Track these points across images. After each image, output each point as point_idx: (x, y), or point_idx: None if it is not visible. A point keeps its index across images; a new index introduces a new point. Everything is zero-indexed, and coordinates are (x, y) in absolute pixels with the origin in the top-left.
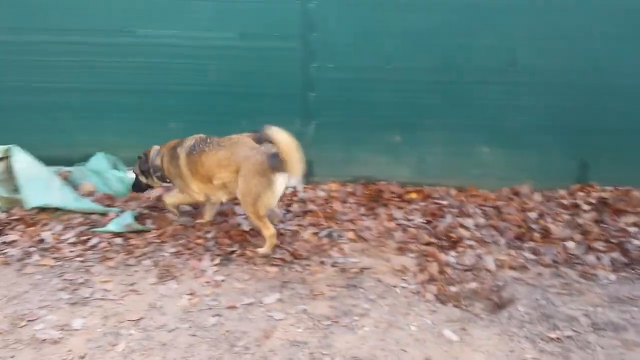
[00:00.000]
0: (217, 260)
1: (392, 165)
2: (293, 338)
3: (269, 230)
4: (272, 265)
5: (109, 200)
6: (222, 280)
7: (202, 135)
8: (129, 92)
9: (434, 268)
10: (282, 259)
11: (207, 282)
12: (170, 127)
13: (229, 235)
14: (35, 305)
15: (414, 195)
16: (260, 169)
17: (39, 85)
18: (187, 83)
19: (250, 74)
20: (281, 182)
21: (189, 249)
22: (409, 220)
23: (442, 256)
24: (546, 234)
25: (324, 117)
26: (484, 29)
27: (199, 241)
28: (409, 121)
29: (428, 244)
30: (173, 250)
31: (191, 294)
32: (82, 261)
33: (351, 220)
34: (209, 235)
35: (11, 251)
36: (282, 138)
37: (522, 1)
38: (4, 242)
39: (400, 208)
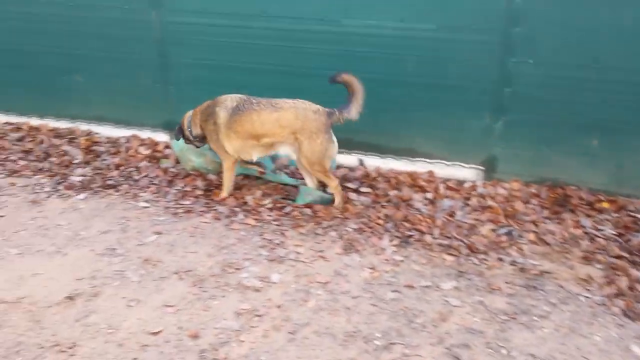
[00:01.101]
0: (396, 242)
1: (585, 171)
2: (469, 325)
3: (334, 182)
4: (449, 254)
5: (299, 174)
6: (401, 261)
7: (240, 95)
8: (322, 77)
9: (623, 283)
10: (457, 250)
11: (387, 260)
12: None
13: (407, 219)
14: (240, 257)
15: (605, 205)
16: (325, 127)
17: (251, 66)
18: (378, 72)
19: (442, 65)
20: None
21: (369, 227)
22: (598, 230)
23: (634, 272)
24: None
25: (516, 113)
26: None
27: (379, 222)
28: (611, 125)
29: (618, 257)
30: (355, 226)
31: (372, 268)
32: (278, 225)
33: (533, 222)
34: (385, 215)
35: (220, 209)
36: (354, 80)
37: None
38: (213, 200)
39: (589, 216)
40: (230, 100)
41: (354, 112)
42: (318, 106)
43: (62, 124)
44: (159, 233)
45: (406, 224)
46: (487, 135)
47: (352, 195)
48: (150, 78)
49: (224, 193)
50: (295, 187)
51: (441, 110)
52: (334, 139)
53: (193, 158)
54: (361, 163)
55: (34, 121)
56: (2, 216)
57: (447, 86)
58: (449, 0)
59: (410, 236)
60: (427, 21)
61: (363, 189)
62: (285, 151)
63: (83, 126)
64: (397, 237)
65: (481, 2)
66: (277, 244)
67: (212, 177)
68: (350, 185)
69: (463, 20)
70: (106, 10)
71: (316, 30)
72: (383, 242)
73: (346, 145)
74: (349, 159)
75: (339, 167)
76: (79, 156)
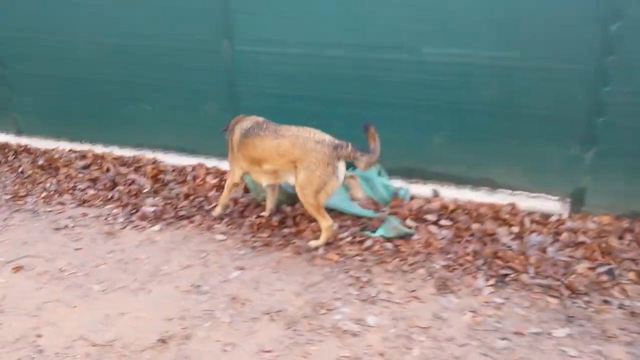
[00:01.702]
0: (492, 281)
1: None
2: None
3: (327, 222)
4: (551, 296)
5: (374, 205)
6: (502, 303)
7: (260, 118)
8: (398, 106)
9: None
10: (558, 291)
11: (487, 302)
12: (435, 141)
13: (497, 256)
14: (329, 296)
15: None
16: (328, 159)
17: (323, 95)
18: (458, 101)
19: (527, 94)
20: (342, 171)
21: (459, 264)
22: None
23: None
24: None
25: (609, 143)
26: None
27: (468, 258)
28: None
29: None
30: (443, 263)
31: (473, 311)
32: (362, 260)
33: (632, 259)
34: (474, 251)
35: (299, 242)
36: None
37: None
38: (290, 233)
39: None
40: (248, 121)
41: (365, 160)
42: (325, 136)
43: (127, 152)
44: (241, 268)
45: (498, 262)
46: (576, 166)
47: (432, 229)
48: (218, 107)
49: (218, 208)
50: (371, 219)
51: (525, 139)
52: (340, 174)
53: (265, 187)
54: (436, 194)
55: (98, 149)
56: (79, 249)
57: (532, 115)
58: (537, 28)
59: (505, 275)
60: (512, 49)
61: (443, 222)
62: (291, 181)
63: (148, 154)
64: (492, 276)
65: (573, 30)
66: (365, 281)
67: (285, 207)
68: (428, 217)
69: (551, 48)
70: (176, 40)
71: (394, 59)
72: (478, 282)
73: (420, 175)
74: (423, 190)
75: (412, 197)
76: (147, 185)
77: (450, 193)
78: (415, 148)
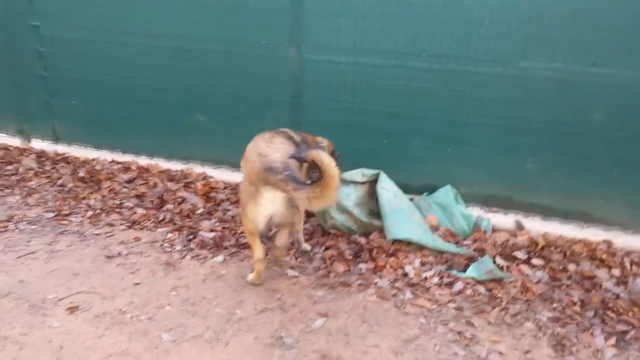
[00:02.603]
0: (612, 340)
1: None
2: None
3: (255, 253)
4: None
5: (451, 237)
6: None
7: (283, 134)
8: (487, 125)
9: None
10: None
11: None
12: (528, 167)
13: (607, 306)
14: (433, 356)
15: None
16: (254, 178)
17: (399, 111)
18: (554, 121)
19: (638, 118)
20: (269, 198)
21: (568, 316)
22: None
23: None
24: None
25: None
26: None
27: (576, 308)
28: None
29: None
30: (550, 314)
31: None
32: (457, 309)
33: None
34: (581, 301)
35: (380, 282)
36: (327, 162)
37: None
38: (368, 270)
39: None
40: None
41: (303, 195)
42: (275, 152)
43: (174, 165)
44: (324, 315)
45: (610, 314)
46: None
47: (524, 269)
48: (279, 120)
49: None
50: (455, 255)
51: (627, 169)
52: (263, 201)
53: (334, 215)
54: (520, 226)
55: (142, 160)
56: (138, 284)
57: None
58: None
59: (624, 332)
60: (625, 67)
61: (535, 261)
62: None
63: (197, 168)
64: (610, 333)
65: None
66: (469, 338)
67: (358, 238)
68: (519, 255)
69: None
70: (238, 46)
71: (485, 72)
72: (597, 341)
73: (502, 203)
74: (504, 220)
75: (495, 229)
76: (199, 205)
77: (535, 225)
78: (502, 173)
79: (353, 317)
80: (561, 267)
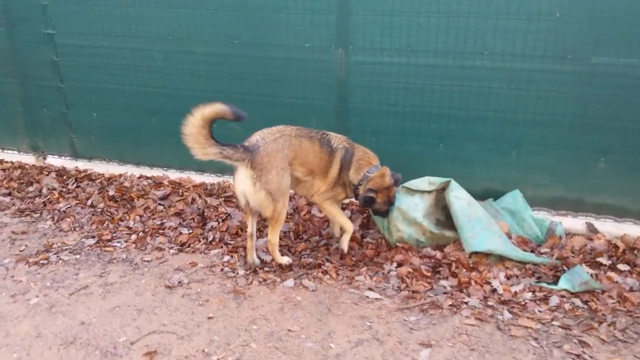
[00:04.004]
0: None
1: None
2: None
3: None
4: None
5: (524, 245)
6: None
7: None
8: (554, 124)
9: None
10: None
11: None
12: (600, 167)
13: None
14: None
15: None
16: None
17: (456, 113)
18: (631, 119)
19: None
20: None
21: None
22: None
23: None
24: None
25: None
26: None
27: None
28: None
29: None
30: None
31: None
32: (563, 327)
33: None
34: None
35: (471, 301)
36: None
37: None
38: (452, 287)
39: None
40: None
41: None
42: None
43: (208, 179)
44: (427, 345)
45: None
46: None
47: (613, 276)
48: (323, 125)
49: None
50: (538, 265)
51: None
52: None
53: (401, 227)
54: (591, 228)
55: (173, 174)
56: (211, 318)
57: None
58: None
59: None
60: None
61: (620, 267)
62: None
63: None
64: None
65: None
66: None
67: (430, 251)
68: (602, 261)
69: None
70: (280, 49)
71: (554, 69)
72: None
73: (571, 206)
74: (574, 224)
75: (566, 234)
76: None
77: (607, 227)
78: (571, 174)
79: (458, 345)
80: None
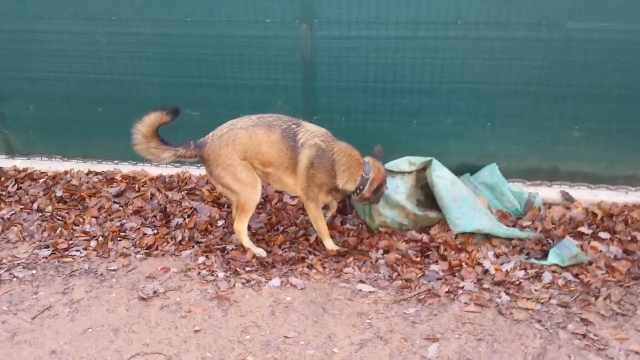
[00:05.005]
0: None
1: None
2: None
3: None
4: None
5: (505, 219)
6: None
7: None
8: (528, 95)
9: None
10: None
11: None
12: (574, 135)
13: None
14: None
15: None
16: None
17: (420, 86)
18: (606, 85)
19: None
20: None
21: None
22: None
23: None
24: None
25: None
26: None
27: None
28: None
29: None
30: None
31: None
32: (561, 305)
33: None
34: None
35: (463, 284)
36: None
37: None
38: (444, 272)
39: None
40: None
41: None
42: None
43: (166, 170)
44: (433, 340)
45: None
46: None
47: (597, 246)
48: (290, 107)
49: (329, 242)
50: (524, 240)
51: None
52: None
53: (383, 211)
54: (567, 197)
55: (126, 168)
56: (198, 331)
57: None
58: None
59: None
60: None
61: (602, 235)
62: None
63: (194, 171)
64: None
65: None
66: (596, 340)
67: (415, 234)
68: (584, 230)
69: None
70: (239, 27)
71: (529, 37)
72: None
73: (545, 176)
74: (548, 193)
75: (544, 204)
76: (215, 215)
77: (582, 194)
78: (547, 143)
79: (465, 336)
80: (630, 238)
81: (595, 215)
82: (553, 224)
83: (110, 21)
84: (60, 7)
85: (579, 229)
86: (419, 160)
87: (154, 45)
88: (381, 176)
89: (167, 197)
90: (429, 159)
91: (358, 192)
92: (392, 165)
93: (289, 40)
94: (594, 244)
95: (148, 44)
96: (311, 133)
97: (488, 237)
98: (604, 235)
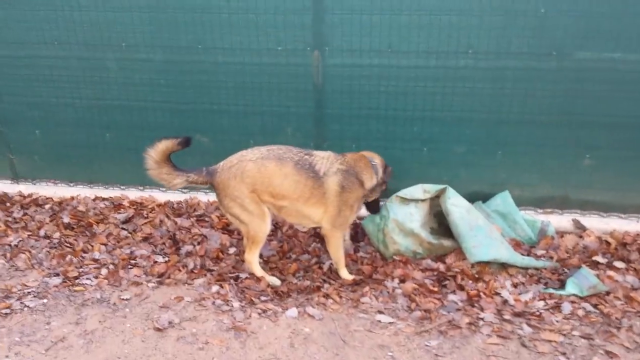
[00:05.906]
0: None
1: None
2: None
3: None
4: None
5: (518, 247)
6: None
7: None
8: (537, 123)
9: None
10: None
11: None
12: (585, 163)
13: None
14: None
15: None
16: None
17: (431, 114)
18: (615, 114)
19: None
20: None
21: None
22: None
23: None
24: None
25: None
26: None
27: None
28: None
29: None
30: None
31: None
32: (583, 337)
33: None
34: None
35: (483, 315)
36: None
37: None
38: (462, 302)
39: None
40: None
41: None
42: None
43: (174, 196)
44: None
45: None
46: None
47: (613, 275)
48: (301, 134)
49: (344, 272)
50: (540, 269)
51: None
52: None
53: (397, 239)
54: (579, 225)
55: (133, 193)
56: None
57: None
58: None
59: None
60: None
61: (617, 264)
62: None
63: (201, 196)
64: None
65: None
66: None
67: (430, 263)
68: (599, 259)
69: None
70: (251, 54)
71: (539, 67)
72: None
73: (557, 204)
74: (559, 221)
75: (556, 232)
76: (225, 241)
77: (594, 223)
78: (558, 172)
79: None
80: None
81: (608, 243)
82: (567, 252)
83: (120, 47)
84: (67, 33)
85: (594, 258)
86: (433, 188)
87: (164, 72)
88: (380, 159)
89: (176, 223)
90: (443, 186)
91: (376, 183)
92: (405, 192)
93: (301, 68)
94: (610, 273)
95: (159, 71)
96: (328, 160)
97: (504, 266)
98: (618, 264)
